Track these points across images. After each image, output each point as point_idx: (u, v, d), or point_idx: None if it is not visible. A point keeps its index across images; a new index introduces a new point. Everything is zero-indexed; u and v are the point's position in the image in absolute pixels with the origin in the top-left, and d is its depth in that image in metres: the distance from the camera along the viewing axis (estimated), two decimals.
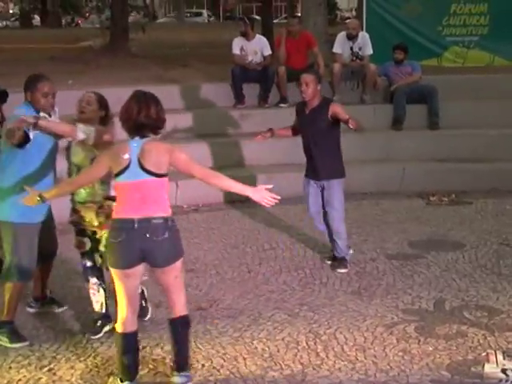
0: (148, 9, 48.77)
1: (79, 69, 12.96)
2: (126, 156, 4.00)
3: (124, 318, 4.11)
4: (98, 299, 5.06)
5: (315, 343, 4.90)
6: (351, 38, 10.27)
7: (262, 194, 4.08)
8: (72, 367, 4.57)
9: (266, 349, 4.83)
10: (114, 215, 4.09)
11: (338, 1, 44.08)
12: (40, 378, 4.45)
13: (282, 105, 10.07)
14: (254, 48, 10.16)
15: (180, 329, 4.22)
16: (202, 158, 9.12)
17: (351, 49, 10.29)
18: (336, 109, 6.15)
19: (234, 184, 4.14)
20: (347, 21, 13.05)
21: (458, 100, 10.15)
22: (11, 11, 55.62)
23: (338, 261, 6.38)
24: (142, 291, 5.07)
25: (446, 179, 9.01)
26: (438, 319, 5.25)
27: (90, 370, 4.56)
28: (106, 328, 5.02)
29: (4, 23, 44.99)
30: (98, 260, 5.06)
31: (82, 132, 4.72)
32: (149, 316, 5.29)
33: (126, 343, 4.13)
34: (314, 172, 6.32)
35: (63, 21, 42.05)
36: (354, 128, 6.03)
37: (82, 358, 4.70)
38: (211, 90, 10.28)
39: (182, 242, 4.17)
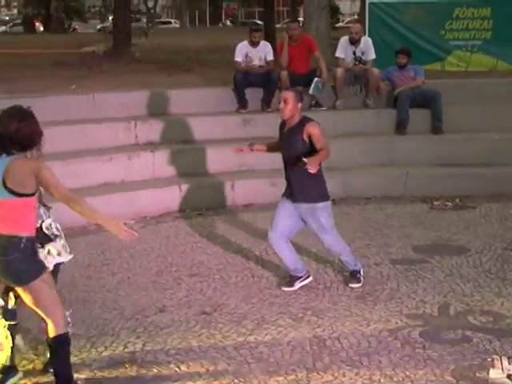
0: (151, 14, 48.95)
1: (82, 73, 12.98)
2: None
3: None
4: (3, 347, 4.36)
5: (319, 348, 4.88)
6: (354, 42, 10.27)
7: (119, 228, 4.04)
8: (77, 371, 4.53)
9: (271, 353, 4.81)
10: None
11: (340, 5, 44.16)
12: (45, 383, 4.44)
13: None
14: (259, 54, 10.15)
15: (55, 349, 4.11)
16: (204, 163, 9.15)
17: (354, 53, 10.29)
18: (311, 130, 5.63)
19: (94, 213, 4.09)
20: (350, 25, 13.05)
21: (461, 104, 10.16)
22: (7, 18, 55.65)
23: (350, 275, 6.10)
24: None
25: (450, 184, 9.00)
26: (442, 324, 5.24)
27: (95, 374, 4.56)
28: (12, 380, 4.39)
29: (3, 28, 45.04)
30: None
31: None
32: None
33: None
34: (291, 195, 5.84)
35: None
36: (309, 166, 5.39)
37: (86, 362, 4.69)
38: (214, 95, 10.28)
39: (36, 263, 4.03)
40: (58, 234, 4.41)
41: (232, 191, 8.80)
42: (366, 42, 10.39)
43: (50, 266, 4.31)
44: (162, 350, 4.87)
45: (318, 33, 12.65)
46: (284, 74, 9.99)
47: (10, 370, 4.35)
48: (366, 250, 6.98)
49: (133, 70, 13.72)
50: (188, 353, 4.82)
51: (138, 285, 6.16)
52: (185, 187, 8.59)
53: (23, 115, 4.04)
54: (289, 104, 5.68)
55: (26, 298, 4.05)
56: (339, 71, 10.15)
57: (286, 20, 40.03)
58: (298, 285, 5.99)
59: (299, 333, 5.13)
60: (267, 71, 10.05)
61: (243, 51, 10.16)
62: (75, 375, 4.50)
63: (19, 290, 4.04)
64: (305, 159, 5.47)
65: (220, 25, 58.17)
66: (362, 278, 6.06)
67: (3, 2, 63.58)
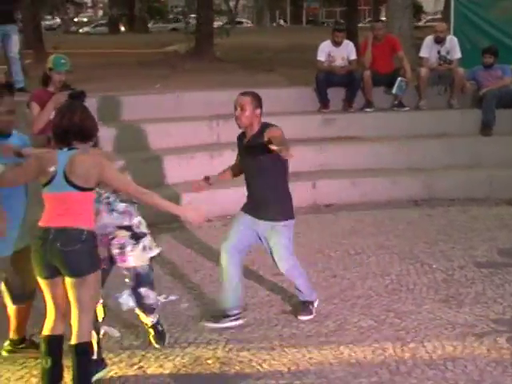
0: (232, 14, 49.32)
1: (166, 73, 13.20)
2: (52, 169, 3.97)
3: (51, 322, 4.14)
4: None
5: (402, 351, 4.82)
6: (439, 41, 10.11)
7: (197, 213, 4.27)
8: (161, 366, 4.64)
9: (353, 354, 4.78)
10: (38, 224, 4.06)
11: (423, 3, 43.43)
12: (131, 376, 4.53)
13: (367, 109, 10.00)
14: (342, 53, 10.08)
15: (76, 357, 4.03)
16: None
17: (438, 52, 10.14)
18: (272, 133, 4.89)
19: (166, 202, 4.20)
20: (434, 24, 12.78)
21: None
22: (85, 19, 57.07)
23: (302, 305, 5.46)
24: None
25: None
26: None
27: (179, 369, 4.61)
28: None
29: (86, 29, 46.29)
30: None
31: None
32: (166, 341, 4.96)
33: (50, 346, 4.11)
34: (254, 210, 5.24)
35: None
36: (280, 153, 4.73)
37: (170, 358, 4.76)
38: (296, 95, 10.27)
39: (95, 257, 4.06)
40: (147, 230, 4.56)
41: (313, 190, 8.77)
42: (452, 40, 10.21)
43: (146, 260, 4.59)
44: (244, 348, 4.90)
45: (401, 32, 12.45)
46: (367, 73, 9.91)
47: (99, 363, 4.43)
48: (450, 252, 6.85)
49: (215, 69, 13.88)
50: (270, 352, 4.84)
51: (221, 282, 6.19)
52: None
53: (83, 109, 4.18)
54: (246, 110, 5.04)
55: (72, 291, 4.01)
56: (423, 71, 10.01)
57: (368, 19, 39.67)
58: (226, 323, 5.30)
59: (381, 335, 5.07)
60: (350, 71, 9.98)
61: (326, 51, 10.12)
62: (159, 370, 4.59)
63: (69, 282, 3.99)
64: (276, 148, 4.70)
65: (274, 24, 58.00)
66: (313, 311, 5.42)
67: (89, 4, 65.50)
